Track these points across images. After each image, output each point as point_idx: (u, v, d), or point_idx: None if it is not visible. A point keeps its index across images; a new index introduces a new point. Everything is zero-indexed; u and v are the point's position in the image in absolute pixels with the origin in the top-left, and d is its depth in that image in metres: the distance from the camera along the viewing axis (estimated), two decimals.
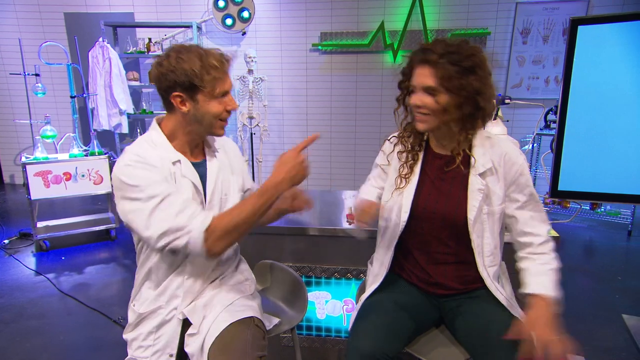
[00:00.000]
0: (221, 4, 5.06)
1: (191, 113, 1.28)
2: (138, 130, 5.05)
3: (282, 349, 2.11)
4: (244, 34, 5.24)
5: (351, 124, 5.38)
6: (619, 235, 4.00)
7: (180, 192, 1.25)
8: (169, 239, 1.18)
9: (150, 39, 5.01)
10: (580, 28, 1.60)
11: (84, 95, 4.09)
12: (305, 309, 1.58)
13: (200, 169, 1.37)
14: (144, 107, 5.07)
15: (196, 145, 1.38)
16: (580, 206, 1.91)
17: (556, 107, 4.39)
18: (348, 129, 5.41)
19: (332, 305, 2.05)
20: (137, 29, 5.40)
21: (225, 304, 1.35)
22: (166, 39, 5.19)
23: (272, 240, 1.98)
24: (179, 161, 1.31)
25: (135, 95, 5.36)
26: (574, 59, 1.62)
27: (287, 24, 5.28)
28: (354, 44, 5.13)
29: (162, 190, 1.20)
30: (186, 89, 1.24)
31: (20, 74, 4.16)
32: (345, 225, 1.96)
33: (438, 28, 5.02)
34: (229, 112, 1.31)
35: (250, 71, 4.82)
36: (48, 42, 4.03)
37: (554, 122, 4.41)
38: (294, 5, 5.21)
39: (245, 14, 5.10)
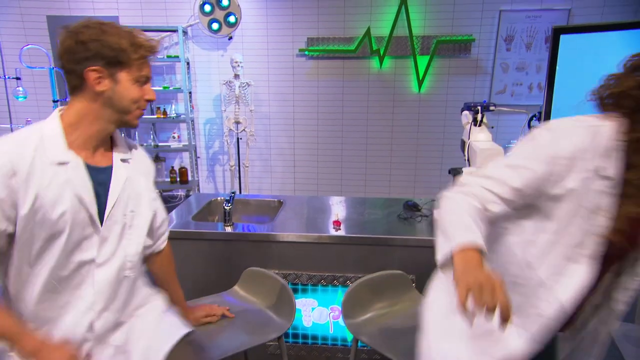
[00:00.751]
0: (207, 8, 5.04)
1: (106, 95, 1.08)
2: (123, 135, 4.98)
3: (269, 356, 2.09)
4: (230, 38, 5.22)
5: (338, 129, 5.39)
6: None
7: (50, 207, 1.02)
8: None
9: None
10: (562, 37, 1.62)
11: (67, 99, 4.02)
12: (293, 316, 1.57)
13: (102, 176, 1.13)
14: None
15: (101, 143, 1.14)
16: None
17: (539, 113, 4.47)
18: (335, 134, 5.41)
19: (318, 313, 2.04)
20: None
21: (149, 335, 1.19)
22: None
23: (258, 247, 1.96)
24: (65, 163, 1.06)
25: None
26: (557, 67, 1.65)
27: (274, 29, 5.27)
28: (341, 50, 5.15)
29: None
30: (108, 64, 1.06)
31: (0, 78, 4.08)
32: (332, 231, 1.95)
33: (424, 34, 5.08)
34: (146, 101, 1.15)
35: (236, 76, 4.80)
36: (30, 45, 3.95)
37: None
38: (281, 10, 5.22)
39: (232, 19, 5.08)
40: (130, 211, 1.18)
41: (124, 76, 1.10)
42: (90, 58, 1.05)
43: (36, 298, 1.07)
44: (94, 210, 1.10)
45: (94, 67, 1.06)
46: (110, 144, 1.19)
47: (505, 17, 4.94)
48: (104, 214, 1.12)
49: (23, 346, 1.01)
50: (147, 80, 1.15)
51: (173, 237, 1.96)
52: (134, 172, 1.21)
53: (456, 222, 0.97)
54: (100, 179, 1.13)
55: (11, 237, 1.04)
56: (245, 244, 1.97)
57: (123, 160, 1.20)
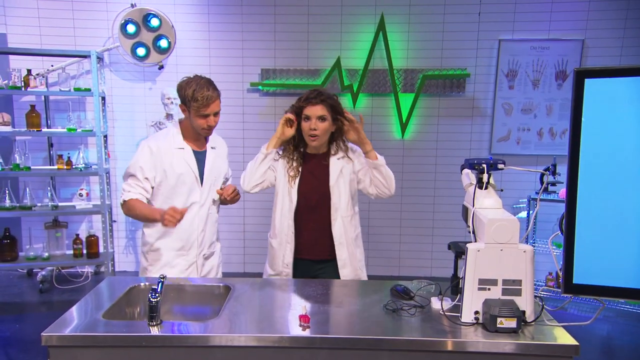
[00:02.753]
0: (131, 29, 5.09)
1: (188, 120, 2.66)
2: (7, 191, 4.78)
3: None
4: (160, 67, 5.25)
5: None
6: None
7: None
8: None
9: (29, 71, 4.89)
10: (587, 81, 1.70)
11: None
12: None
13: (200, 156, 2.72)
14: (18, 161, 4.83)
15: (198, 138, 2.73)
16: (604, 304, 1.96)
17: (553, 166, 4.66)
18: None
19: None
20: (11, 57, 5.28)
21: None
22: (53, 70, 5.09)
23: (196, 355, 1.86)
24: (182, 148, 2.69)
25: (5, 144, 5.12)
26: (582, 120, 1.71)
27: (219, 57, 5.37)
28: (304, 85, 5.27)
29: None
30: (184, 104, 2.61)
31: None
32: (298, 330, 1.88)
33: (407, 67, 5.30)
34: (209, 126, 2.62)
35: (168, 115, 4.79)
36: None
37: (552, 184, 4.65)
38: (228, 34, 5.34)
39: (164, 43, 5.14)
40: (214, 177, 2.78)
41: (192, 113, 2.59)
42: (180, 99, 2.64)
43: None
44: (197, 173, 2.69)
45: (180, 104, 2.66)
46: (205, 138, 2.77)
47: (505, 49, 5.25)
48: (202, 176, 2.72)
49: (155, 216, 2.53)
50: (207, 115, 2.58)
51: (73, 344, 1.84)
52: (217, 154, 2.82)
53: None
54: (200, 157, 2.71)
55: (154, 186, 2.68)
56: (178, 352, 1.86)
57: (212, 148, 2.79)
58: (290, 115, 2.68)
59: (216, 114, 2.63)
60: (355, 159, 2.78)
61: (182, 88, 2.57)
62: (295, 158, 2.77)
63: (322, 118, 2.63)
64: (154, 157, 2.63)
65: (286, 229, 2.75)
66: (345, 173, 2.75)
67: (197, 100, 2.50)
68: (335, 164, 2.75)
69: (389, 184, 2.71)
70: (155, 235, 2.71)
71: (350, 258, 2.74)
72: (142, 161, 2.63)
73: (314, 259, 2.77)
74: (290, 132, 2.71)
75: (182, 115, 2.72)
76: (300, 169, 2.76)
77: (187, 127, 2.69)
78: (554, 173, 4.67)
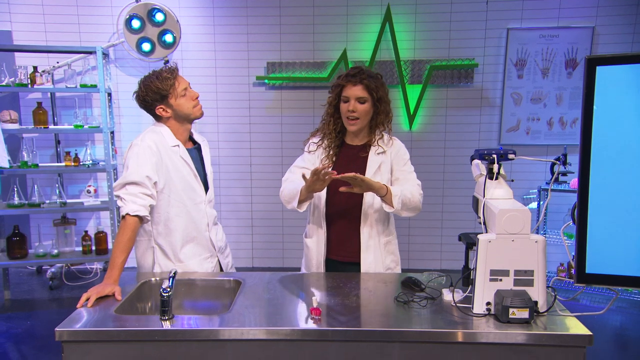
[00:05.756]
0: (136, 24, 5.11)
1: (172, 118, 2.52)
2: (15, 188, 4.82)
3: None
4: (166, 62, 5.27)
5: None
6: None
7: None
8: None
9: (35, 68, 4.92)
10: (599, 69, 1.70)
11: None
12: None
13: (193, 153, 2.61)
14: (26, 159, 4.88)
15: (185, 135, 2.59)
16: (617, 294, 1.96)
17: (564, 155, 4.64)
18: None
19: None
20: (17, 54, 5.31)
21: None
22: (59, 67, 5.12)
23: (207, 348, 1.88)
24: (177, 145, 2.52)
25: (13, 142, 5.16)
26: (594, 108, 1.71)
27: (224, 51, 5.37)
28: (310, 77, 5.27)
29: None
30: (160, 100, 2.47)
31: None
32: (309, 324, 1.90)
33: (414, 58, 5.28)
34: (196, 99, 2.53)
35: None
36: None
37: (563, 174, 4.64)
38: (233, 28, 5.35)
39: (169, 38, 5.16)
40: (211, 172, 2.74)
41: (174, 100, 2.48)
42: (153, 102, 2.50)
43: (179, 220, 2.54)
44: (196, 171, 2.56)
45: (157, 107, 2.51)
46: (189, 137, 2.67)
47: (514, 37, 5.22)
48: (202, 174, 2.64)
49: (114, 270, 2.25)
50: (185, 89, 2.50)
51: (87, 339, 1.87)
52: (205, 152, 2.72)
53: None
54: (193, 155, 2.60)
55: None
56: (190, 346, 1.88)
57: (199, 144, 2.70)
58: (321, 167, 2.31)
59: (188, 86, 2.53)
60: (392, 157, 2.57)
61: (147, 89, 2.43)
62: (332, 146, 2.58)
63: (362, 100, 2.43)
64: (155, 158, 2.40)
65: (316, 227, 2.63)
66: (384, 170, 2.54)
67: (168, 79, 2.41)
68: (374, 159, 2.54)
69: (415, 212, 2.53)
70: (176, 246, 2.53)
71: (376, 264, 2.57)
72: (146, 163, 2.37)
73: (342, 261, 2.62)
74: (321, 186, 2.36)
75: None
76: (335, 159, 2.58)
77: (173, 126, 2.51)
78: (564, 163, 4.65)
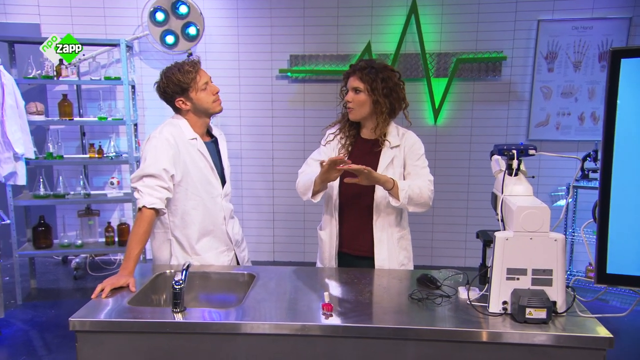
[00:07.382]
0: (160, 16, 5.16)
1: (191, 111, 2.56)
2: (41, 179, 4.93)
3: None
4: (189, 55, 5.30)
5: None
6: None
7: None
8: None
9: (61, 60, 5.01)
10: (624, 61, 1.64)
11: None
12: None
13: (210, 146, 2.65)
14: (51, 150, 4.98)
15: (203, 129, 2.63)
16: None
17: (595, 152, 4.53)
18: None
19: None
20: None
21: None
22: (85, 59, 5.21)
23: (220, 342, 1.90)
24: (195, 139, 2.56)
25: (39, 134, 5.28)
26: (617, 102, 1.66)
27: (248, 44, 5.39)
28: (334, 70, 5.25)
29: None
30: (181, 93, 2.50)
31: None
32: (322, 319, 1.89)
33: (440, 51, 5.21)
34: (216, 93, 2.54)
35: None
36: None
37: (594, 171, 4.53)
38: (256, 21, 5.36)
39: (192, 31, 5.19)
40: (228, 166, 2.77)
41: (194, 94, 2.50)
42: (174, 94, 2.53)
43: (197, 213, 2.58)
44: (213, 165, 2.59)
45: (177, 100, 2.54)
46: (207, 130, 2.72)
47: (545, 29, 5.11)
48: (219, 167, 2.67)
49: (129, 262, 2.28)
50: (206, 84, 2.52)
51: (100, 329, 1.90)
52: (222, 146, 2.76)
53: None
54: (210, 148, 2.64)
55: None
56: (202, 339, 1.90)
57: (215, 138, 2.74)
58: (336, 158, 2.34)
59: (209, 80, 2.55)
60: (406, 151, 2.59)
61: (169, 80, 2.45)
62: (347, 136, 2.63)
63: (356, 90, 2.48)
64: (173, 150, 2.43)
65: (329, 217, 2.65)
66: (397, 164, 2.56)
67: (189, 72, 2.43)
68: (387, 153, 2.56)
69: (423, 208, 2.52)
70: (192, 239, 2.57)
71: (390, 259, 2.58)
72: (163, 156, 2.40)
73: (354, 255, 2.64)
74: (335, 175, 2.41)
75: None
76: (349, 150, 2.62)
77: (191, 119, 2.54)
78: (594, 159, 4.53)
